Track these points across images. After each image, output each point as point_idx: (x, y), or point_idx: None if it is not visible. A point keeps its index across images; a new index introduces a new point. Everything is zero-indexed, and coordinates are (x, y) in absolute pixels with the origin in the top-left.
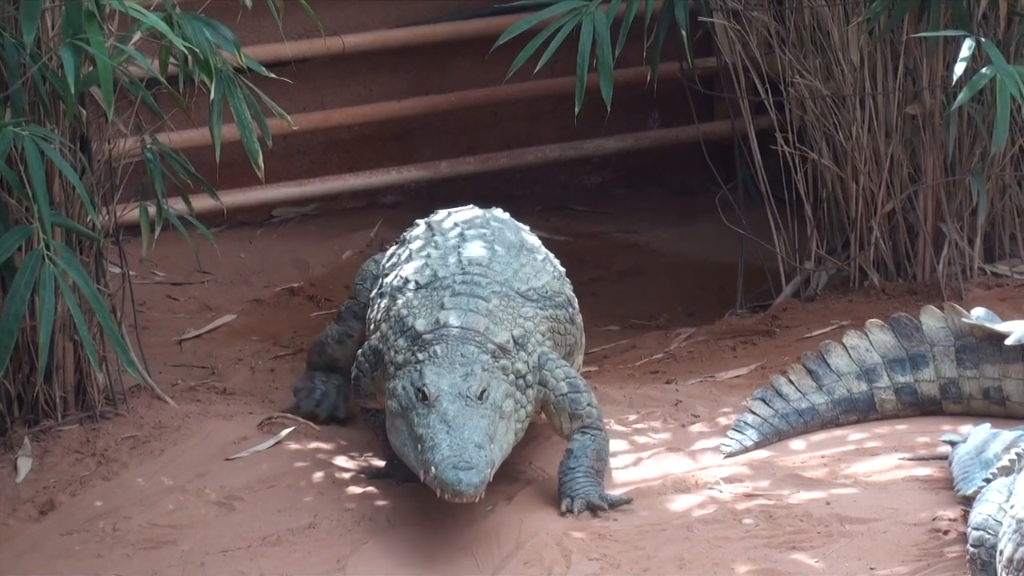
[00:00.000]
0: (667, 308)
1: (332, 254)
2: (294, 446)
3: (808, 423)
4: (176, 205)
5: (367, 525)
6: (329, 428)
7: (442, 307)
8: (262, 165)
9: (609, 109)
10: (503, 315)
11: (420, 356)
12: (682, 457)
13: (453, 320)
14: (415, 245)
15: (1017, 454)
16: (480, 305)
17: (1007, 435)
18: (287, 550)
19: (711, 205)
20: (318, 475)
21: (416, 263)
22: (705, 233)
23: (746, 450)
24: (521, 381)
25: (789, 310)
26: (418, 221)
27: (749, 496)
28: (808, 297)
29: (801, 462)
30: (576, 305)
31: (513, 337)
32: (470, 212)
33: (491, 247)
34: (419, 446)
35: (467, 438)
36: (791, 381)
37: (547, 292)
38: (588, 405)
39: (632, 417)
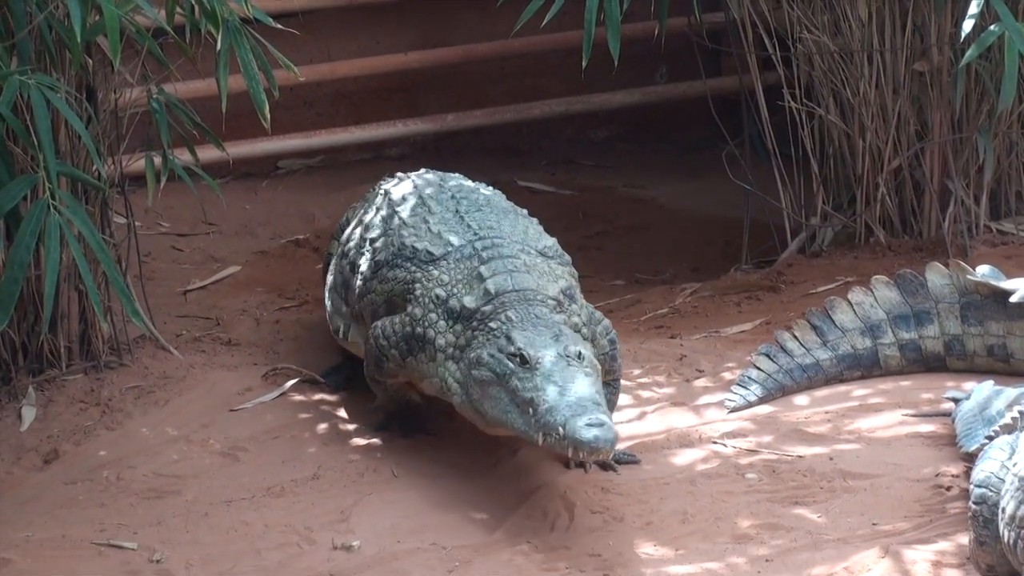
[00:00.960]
0: (672, 263)
1: (338, 206)
2: (298, 397)
3: (812, 379)
4: (182, 156)
5: (371, 476)
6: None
7: (480, 277)
8: (268, 116)
9: (616, 63)
10: (540, 271)
11: (492, 325)
12: (686, 412)
13: (504, 285)
14: (401, 207)
15: (1020, 411)
16: (517, 263)
17: (1010, 392)
18: (291, 501)
19: (717, 161)
20: (322, 426)
21: (414, 229)
22: (711, 188)
23: (750, 405)
24: (579, 335)
25: (794, 266)
26: (384, 181)
27: (752, 451)
28: (813, 253)
29: (805, 418)
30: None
31: (561, 290)
32: (440, 174)
33: (492, 211)
34: (530, 410)
35: (584, 396)
36: (795, 337)
37: (557, 251)
38: (620, 359)
39: (636, 371)
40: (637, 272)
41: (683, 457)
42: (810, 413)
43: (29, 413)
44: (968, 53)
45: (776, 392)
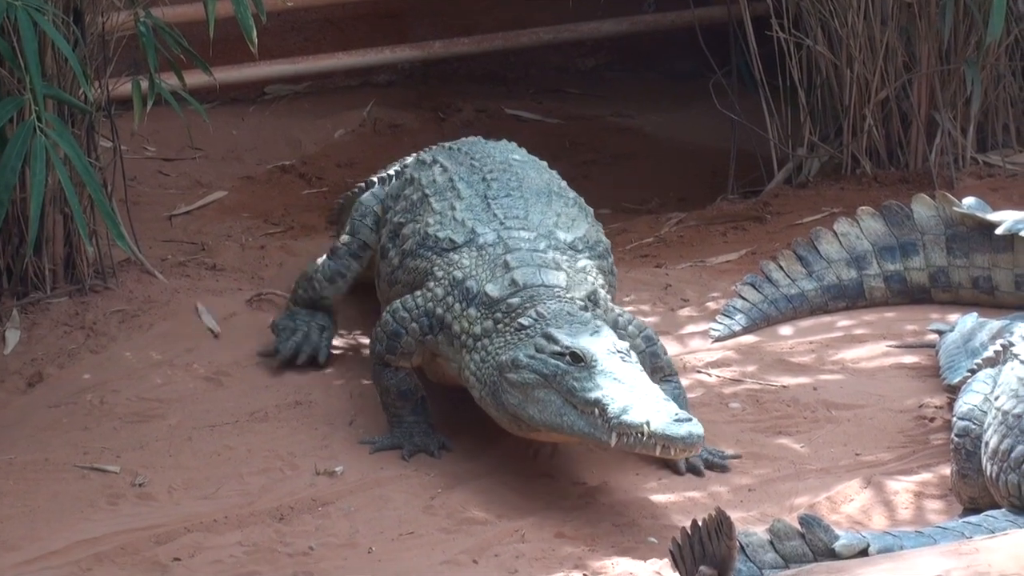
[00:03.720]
0: (659, 193)
1: (324, 132)
2: None
3: (797, 309)
4: (169, 80)
5: (354, 402)
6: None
7: (507, 267)
8: (256, 41)
9: None
10: (568, 270)
11: (524, 321)
12: (671, 341)
13: (531, 279)
14: (431, 190)
15: (1003, 345)
16: (546, 259)
17: (994, 324)
18: (274, 426)
19: (705, 90)
20: None
21: (440, 216)
22: (698, 118)
23: (734, 335)
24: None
25: (780, 196)
26: (423, 156)
27: (736, 381)
28: (800, 184)
29: (789, 348)
30: (610, 249)
31: (588, 294)
32: (483, 147)
33: (521, 195)
34: (596, 411)
35: (655, 392)
36: (781, 267)
37: (589, 242)
38: (664, 354)
39: (622, 300)
40: (623, 201)
41: None
42: (794, 343)
43: (13, 336)
44: None
45: (761, 322)
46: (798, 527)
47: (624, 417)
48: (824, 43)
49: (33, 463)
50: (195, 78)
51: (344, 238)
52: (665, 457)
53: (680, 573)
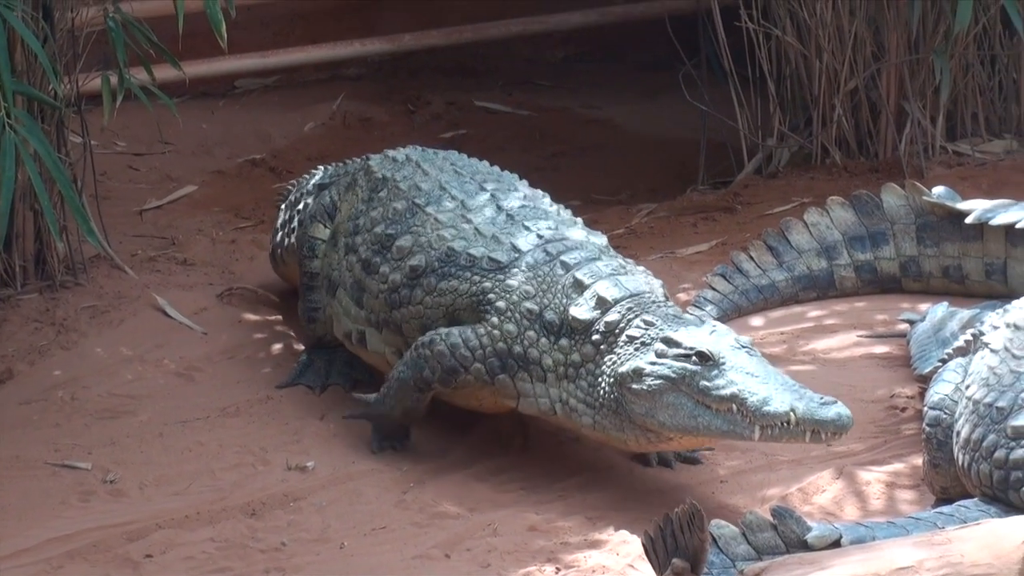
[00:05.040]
0: (629, 184)
1: (294, 126)
2: (253, 317)
3: (768, 299)
4: (138, 75)
5: (325, 397)
6: (288, 301)
7: (580, 285)
8: (225, 35)
9: None
10: (631, 270)
11: (633, 333)
12: None
13: (616, 291)
14: (421, 199)
15: (974, 334)
16: (613, 266)
17: (965, 314)
18: (245, 421)
19: (675, 81)
20: (276, 347)
21: (455, 231)
22: (668, 109)
23: None
24: None
25: (751, 187)
26: (390, 154)
27: None
28: (770, 174)
29: (760, 338)
30: None
31: (662, 285)
32: (441, 154)
33: (532, 204)
34: (734, 406)
35: (788, 381)
36: (751, 257)
37: (608, 244)
38: None
39: None
40: (594, 193)
41: None
42: (765, 334)
43: None
44: None
45: (732, 313)
46: (770, 519)
47: (766, 408)
48: (793, 33)
49: (4, 460)
50: (165, 73)
51: (302, 276)
52: (815, 443)
53: (653, 566)
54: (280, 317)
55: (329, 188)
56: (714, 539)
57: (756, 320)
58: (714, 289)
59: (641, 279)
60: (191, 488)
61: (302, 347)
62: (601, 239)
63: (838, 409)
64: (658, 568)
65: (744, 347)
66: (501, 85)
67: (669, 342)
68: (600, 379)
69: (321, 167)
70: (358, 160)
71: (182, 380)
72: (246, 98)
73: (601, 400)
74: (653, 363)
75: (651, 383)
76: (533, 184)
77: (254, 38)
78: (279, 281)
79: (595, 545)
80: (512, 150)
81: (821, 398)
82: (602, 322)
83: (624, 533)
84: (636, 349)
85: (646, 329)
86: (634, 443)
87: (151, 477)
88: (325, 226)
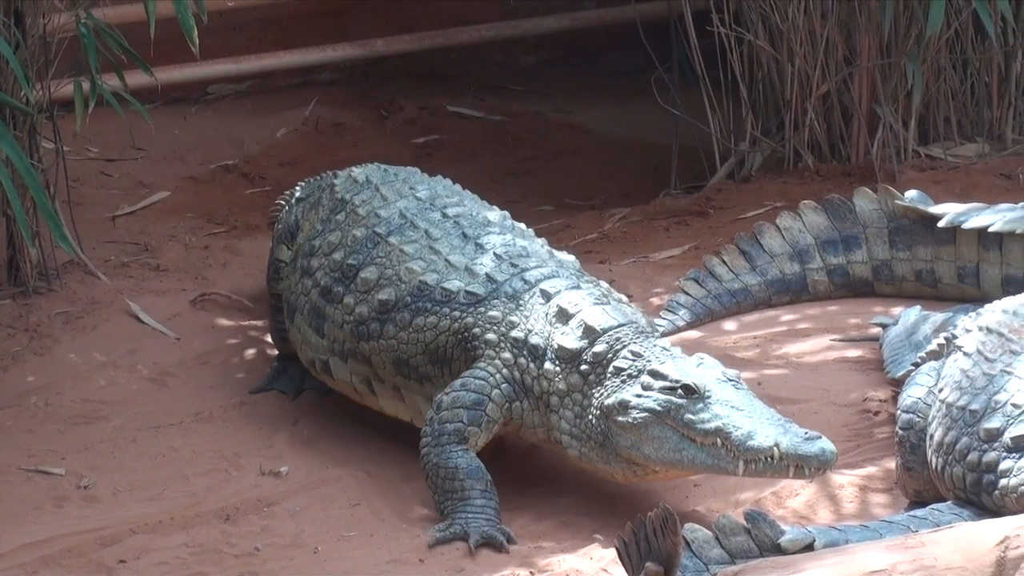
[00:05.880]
0: (601, 188)
1: (267, 131)
2: (226, 323)
3: (741, 304)
4: (110, 81)
5: (299, 402)
6: (262, 306)
7: (565, 314)
8: (197, 41)
9: None
10: (613, 297)
11: (621, 364)
12: None
13: (604, 321)
14: (382, 228)
15: (947, 337)
16: (597, 295)
17: (937, 317)
18: (219, 426)
19: (647, 86)
20: (250, 352)
21: (424, 263)
22: (640, 114)
23: (678, 330)
24: None
25: (723, 191)
26: (352, 173)
27: None
28: (742, 178)
29: (733, 342)
30: None
31: (643, 315)
32: (401, 175)
33: (500, 230)
34: (718, 440)
35: (773, 415)
36: (724, 262)
37: (581, 271)
38: None
39: None
40: (566, 197)
41: None
42: (738, 338)
43: None
44: None
45: (705, 317)
46: (743, 523)
47: (750, 443)
48: (765, 38)
49: None
50: (137, 79)
51: (270, 297)
52: (799, 478)
53: (627, 569)
54: (253, 322)
55: (295, 207)
56: (687, 543)
57: (729, 324)
58: (687, 293)
59: (626, 308)
60: (165, 493)
61: (276, 352)
62: (570, 259)
63: (822, 444)
64: (632, 572)
65: (731, 380)
66: (473, 90)
67: (656, 375)
68: (588, 411)
69: (301, 183)
70: (329, 174)
71: (155, 386)
72: (219, 104)
73: (588, 432)
74: (639, 396)
75: (637, 416)
76: (506, 189)
77: (226, 44)
78: (252, 286)
79: (569, 549)
80: (484, 155)
81: (806, 433)
82: (590, 352)
83: (598, 538)
84: (623, 381)
85: (633, 360)
86: (620, 475)
87: (125, 483)
88: (288, 247)
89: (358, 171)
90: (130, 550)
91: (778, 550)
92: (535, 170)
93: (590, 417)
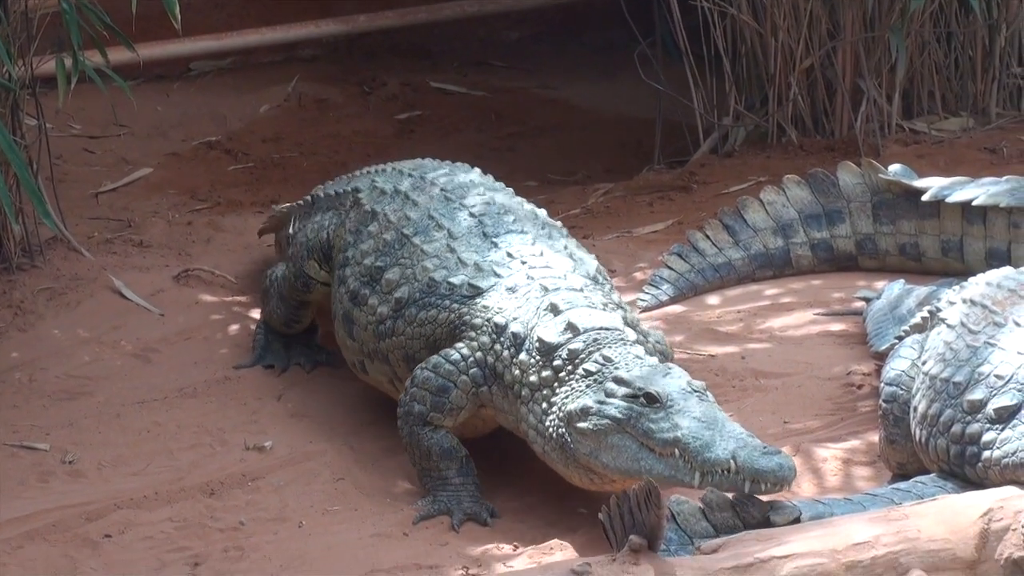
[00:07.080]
0: (585, 164)
1: (250, 108)
2: (209, 299)
3: (724, 278)
4: (93, 57)
5: (284, 377)
6: (245, 282)
7: (555, 310)
8: (179, 18)
9: None
10: (607, 302)
11: (589, 367)
12: None
13: (588, 322)
14: (409, 228)
15: (930, 311)
16: (593, 299)
17: (921, 291)
18: (203, 402)
19: (630, 61)
20: (233, 328)
21: (439, 260)
22: (623, 89)
23: (662, 305)
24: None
25: (707, 166)
26: (377, 183)
27: None
28: (726, 153)
29: (717, 316)
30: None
31: (634, 327)
32: (441, 171)
33: (522, 230)
34: (676, 451)
35: (734, 428)
36: (707, 236)
37: (601, 271)
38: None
39: None
40: (550, 173)
41: None
42: (722, 312)
43: None
44: None
45: (688, 291)
46: (730, 497)
47: (707, 455)
48: (748, 12)
49: None
50: (119, 55)
51: (292, 299)
52: (755, 493)
53: (610, 542)
54: (237, 298)
55: (321, 221)
56: (673, 515)
57: (713, 299)
58: (670, 268)
59: (616, 317)
60: (149, 468)
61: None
62: (591, 265)
63: (780, 460)
64: (615, 545)
65: (696, 391)
66: (456, 66)
67: (620, 381)
68: (552, 409)
69: (307, 196)
70: (344, 178)
71: (139, 361)
72: (201, 80)
73: (550, 432)
74: (601, 402)
75: (597, 422)
76: (490, 165)
77: (209, 20)
78: (235, 262)
79: (553, 523)
80: (468, 131)
81: (764, 447)
82: (566, 348)
83: (582, 511)
84: (588, 386)
85: (603, 365)
86: (578, 480)
87: (109, 458)
88: (319, 265)
89: (381, 180)
90: (115, 525)
91: (765, 524)
92: (518, 146)
93: (553, 419)
